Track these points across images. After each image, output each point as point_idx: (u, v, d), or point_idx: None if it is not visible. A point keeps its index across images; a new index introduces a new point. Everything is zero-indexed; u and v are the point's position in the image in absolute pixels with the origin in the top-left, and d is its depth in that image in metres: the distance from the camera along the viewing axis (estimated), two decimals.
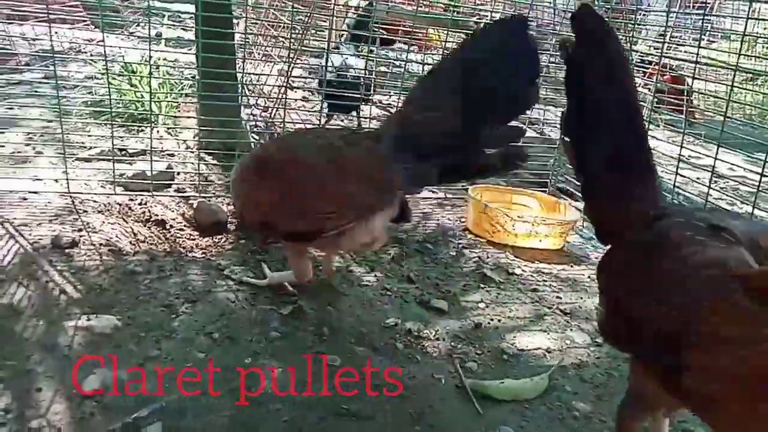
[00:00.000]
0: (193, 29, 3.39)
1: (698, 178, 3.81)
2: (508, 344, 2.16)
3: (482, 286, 2.57)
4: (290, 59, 3.39)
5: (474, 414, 1.80)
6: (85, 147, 3.32)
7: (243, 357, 1.88)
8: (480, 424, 1.76)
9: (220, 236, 2.67)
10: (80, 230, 2.46)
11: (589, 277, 2.84)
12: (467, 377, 1.93)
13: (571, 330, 2.34)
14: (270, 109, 3.83)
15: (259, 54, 4.17)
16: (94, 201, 2.76)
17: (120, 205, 2.77)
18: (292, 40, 3.13)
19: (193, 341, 1.91)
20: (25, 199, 2.69)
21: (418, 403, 1.80)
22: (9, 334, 1.80)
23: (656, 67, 4.05)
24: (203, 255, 2.48)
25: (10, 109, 3.77)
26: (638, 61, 5.84)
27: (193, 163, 3.27)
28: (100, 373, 1.69)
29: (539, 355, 2.14)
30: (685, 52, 6.03)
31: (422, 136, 1.94)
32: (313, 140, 2.11)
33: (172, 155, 3.41)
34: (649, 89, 5.15)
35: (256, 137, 3.82)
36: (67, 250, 2.30)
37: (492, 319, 2.33)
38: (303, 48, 3.83)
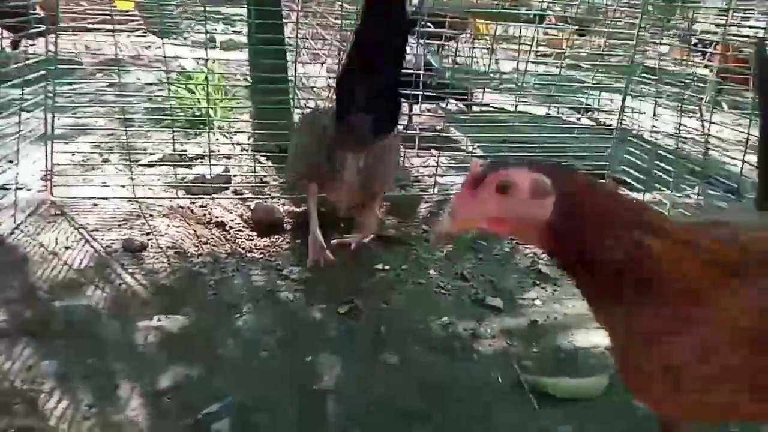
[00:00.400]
0: (245, 32, 3.49)
1: None
2: (565, 342, 2.14)
3: (538, 282, 2.55)
4: (340, 57, 3.44)
5: (531, 413, 1.80)
6: (147, 153, 3.48)
7: (304, 355, 1.95)
8: (537, 423, 1.76)
9: (277, 236, 2.76)
10: (148, 234, 2.59)
11: None
12: (524, 375, 1.93)
13: None
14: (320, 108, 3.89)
15: (308, 54, 4.24)
16: (159, 205, 2.90)
17: (182, 208, 2.90)
18: (341, 38, 3.18)
19: (258, 340, 1.99)
20: (96, 205, 2.86)
21: (475, 402, 1.81)
22: (88, 334, 1.93)
23: (717, 47, 3.86)
24: (262, 255, 2.57)
25: (78, 118, 3.99)
26: (696, 42, 5.59)
27: (249, 165, 3.37)
28: (173, 371, 1.79)
29: (598, 354, 2.11)
30: (751, 27, 5.72)
31: None
32: None
33: (229, 158, 3.53)
34: (711, 71, 4.94)
35: None
36: (137, 253, 2.44)
37: (548, 317, 2.31)
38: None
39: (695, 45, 5.70)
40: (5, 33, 5.02)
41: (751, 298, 0.99)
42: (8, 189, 2.69)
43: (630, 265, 1.00)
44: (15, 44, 4.85)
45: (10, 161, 2.71)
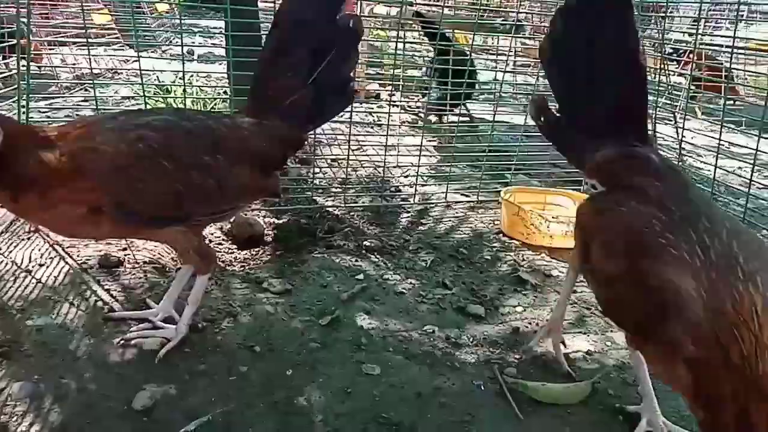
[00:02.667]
0: (224, 45, 3.47)
1: (739, 168, 3.70)
2: (547, 349, 2.15)
3: (519, 289, 2.56)
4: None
5: (514, 420, 1.79)
6: None
7: (284, 368, 1.92)
8: (522, 430, 1.76)
9: (257, 249, 2.73)
10: (125, 249, 2.55)
11: None
12: (506, 382, 1.93)
13: (612, 331, 2.30)
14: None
15: None
16: None
17: None
18: None
19: (236, 354, 1.96)
20: None
21: (459, 411, 1.80)
22: (61, 352, 1.89)
23: (691, 55, 3.94)
24: (242, 268, 2.54)
25: None
26: (671, 51, 5.71)
27: None
28: (150, 389, 1.75)
29: (580, 358, 2.12)
30: (722, 36, 5.85)
31: None
32: None
33: None
34: (685, 78, 5.04)
35: None
36: (113, 269, 2.40)
37: (530, 323, 2.31)
38: None
39: (669, 54, 5.82)
40: None
41: None
42: None
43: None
44: None
45: None
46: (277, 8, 2.09)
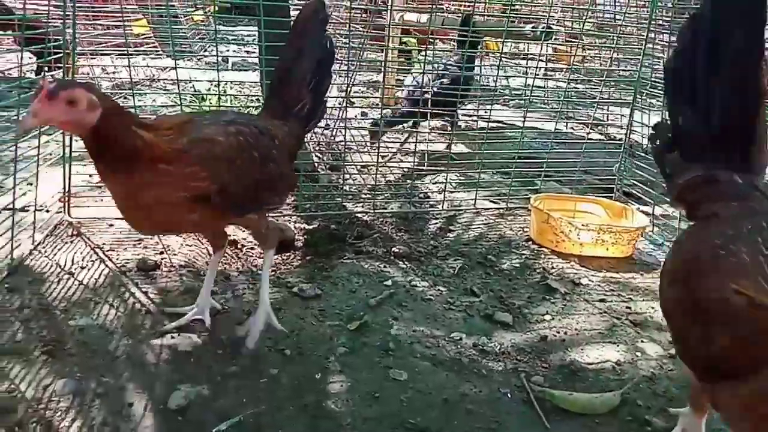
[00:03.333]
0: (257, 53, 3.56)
1: None
2: (575, 358, 2.14)
3: (547, 297, 2.55)
4: (349, 76, 3.50)
5: (542, 428, 1.79)
6: None
7: (313, 372, 1.97)
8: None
9: (288, 254, 2.79)
10: (161, 253, 2.64)
11: None
12: (533, 390, 1.93)
13: (642, 341, 2.28)
14: (331, 127, 3.95)
15: None
16: None
17: None
18: (351, 57, 3.23)
19: (267, 357, 2.02)
20: (111, 225, 2.92)
21: (485, 418, 1.81)
22: (102, 352, 1.97)
23: None
24: (273, 273, 2.60)
25: None
26: None
27: None
28: (184, 389, 1.82)
29: (609, 369, 2.10)
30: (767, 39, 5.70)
31: None
32: None
33: None
34: None
35: (319, 155, 3.96)
36: (150, 273, 2.48)
37: (558, 332, 2.31)
38: (361, 63, 3.94)
39: None
40: (28, 58, 5.15)
41: None
42: (27, 210, 2.76)
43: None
44: (39, 70, 4.99)
45: (30, 183, 2.78)
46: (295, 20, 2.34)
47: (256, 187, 1.97)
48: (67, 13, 2.86)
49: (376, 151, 3.44)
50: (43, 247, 2.63)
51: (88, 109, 1.58)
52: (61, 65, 2.93)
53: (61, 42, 2.90)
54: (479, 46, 4.21)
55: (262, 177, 1.98)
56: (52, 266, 2.48)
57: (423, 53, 4.16)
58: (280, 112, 2.23)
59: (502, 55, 4.27)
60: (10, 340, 1.97)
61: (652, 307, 2.53)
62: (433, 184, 3.82)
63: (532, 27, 4.40)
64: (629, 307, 2.52)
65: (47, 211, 2.94)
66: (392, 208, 3.41)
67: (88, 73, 5.21)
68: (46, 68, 4.17)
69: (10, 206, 2.53)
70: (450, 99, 3.81)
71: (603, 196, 3.47)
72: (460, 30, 4.27)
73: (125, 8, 3.72)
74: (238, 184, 1.87)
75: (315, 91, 2.29)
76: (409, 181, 3.75)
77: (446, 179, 3.51)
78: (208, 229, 2.18)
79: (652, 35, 3.54)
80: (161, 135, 1.75)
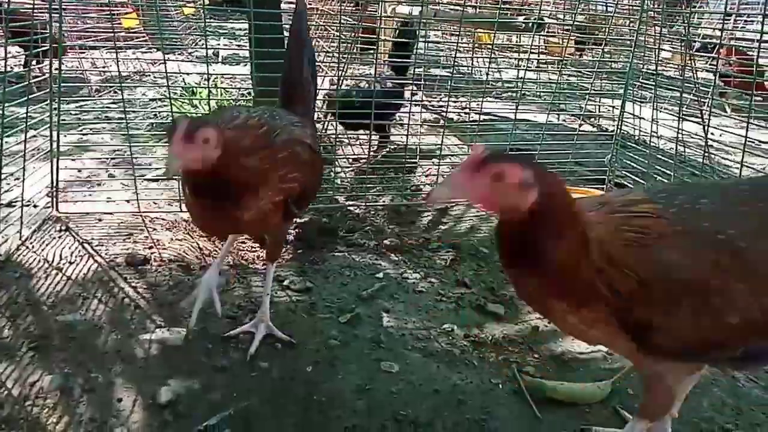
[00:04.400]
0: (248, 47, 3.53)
1: None
2: (566, 348, 2.14)
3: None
4: (340, 70, 3.47)
5: (532, 419, 1.79)
6: (151, 168, 3.52)
7: (304, 365, 1.96)
8: (539, 429, 1.76)
9: None
10: (151, 248, 2.62)
11: None
12: (524, 380, 1.93)
13: None
14: (322, 120, 3.93)
15: None
16: (163, 219, 2.93)
17: (186, 221, 2.92)
18: (341, 52, 3.20)
19: (257, 351, 2.00)
20: (100, 219, 2.89)
21: (476, 409, 1.81)
22: (90, 347, 1.95)
23: (721, 51, 3.86)
24: (264, 266, 2.58)
25: (84, 134, 4.05)
26: (700, 46, 5.59)
27: None
28: (173, 384, 1.81)
29: (600, 358, 2.11)
30: (753, 32, 5.71)
31: None
32: None
33: None
34: (714, 74, 4.92)
35: None
36: (139, 267, 2.46)
37: (549, 323, 2.30)
38: (353, 58, 3.92)
39: (698, 50, 5.70)
40: (15, 52, 5.10)
41: None
42: (14, 206, 2.73)
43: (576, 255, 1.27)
44: (26, 63, 4.94)
45: (17, 178, 2.75)
46: (300, 24, 2.32)
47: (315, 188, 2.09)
48: (53, 5, 2.82)
49: (368, 144, 3.42)
50: (31, 243, 2.61)
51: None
52: (48, 59, 2.89)
53: (48, 35, 2.86)
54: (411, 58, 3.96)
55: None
56: (39, 261, 2.46)
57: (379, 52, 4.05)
58: (297, 109, 2.21)
59: (494, 48, 4.25)
60: None
61: None
62: (425, 176, 3.81)
63: (524, 19, 4.38)
64: None
65: (35, 206, 2.91)
66: (384, 201, 3.40)
67: (77, 67, 5.17)
68: (34, 61, 4.13)
69: None
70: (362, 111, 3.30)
71: (595, 187, 3.47)
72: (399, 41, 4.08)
73: (114, 1, 3.68)
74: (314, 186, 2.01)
75: (312, 82, 2.34)
76: (400, 174, 3.74)
77: (438, 172, 3.50)
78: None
79: (644, 27, 3.54)
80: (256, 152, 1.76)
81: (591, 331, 1.36)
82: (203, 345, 2.01)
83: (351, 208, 3.26)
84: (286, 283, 2.43)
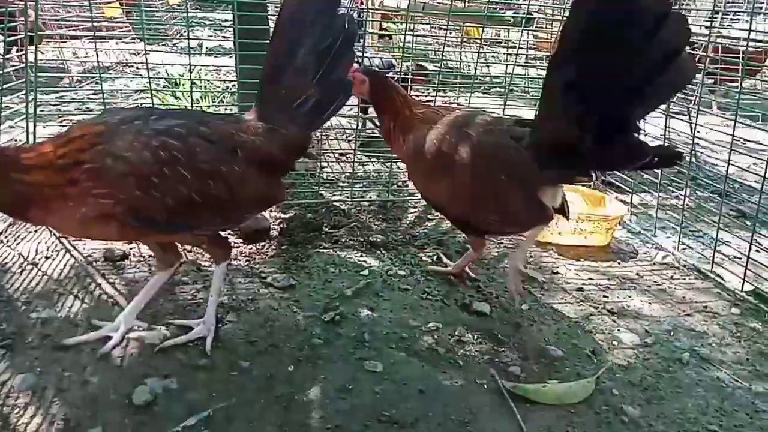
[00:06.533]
0: (232, 38, 3.46)
1: (754, 164, 3.62)
2: (552, 347, 2.12)
3: (525, 287, 2.53)
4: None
5: (515, 420, 1.77)
6: None
7: (286, 364, 1.92)
8: (525, 430, 1.74)
9: (262, 243, 2.73)
10: (130, 243, 2.56)
11: (638, 274, 2.75)
12: (510, 381, 1.90)
13: (619, 330, 2.27)
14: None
15: None
16: None
17: None
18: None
19: (238, 349, 1.96)
20: None
21: (461, 409, 1.78)
22: (65, 346, 1.89)
23: (707, 49, 3.85)
24: (247, 263, 2.54)
25: (64, 126, 3.95)
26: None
27: None
28: (151, 383, 1.76)
29: (584, 357, 2.09)
30: (740, 29, 5.74)
31: None
32: None
33: None
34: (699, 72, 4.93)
35: None
36: (118, 263, 2.41)
37: (535, 321, 2.29)
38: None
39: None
40: None
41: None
42: None
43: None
44: (4, 51, 4.81)
45: None
46: (279, 9, 2.06)
47: (190, 206, 1.74)
48: None
49: (354, 138, 3.38)
50: (5, 237, 2.54)
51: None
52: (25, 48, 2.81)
53: (23, 23, 2.77)
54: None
55: (202, 197, 1.74)
56: (14, 256, 2.39)
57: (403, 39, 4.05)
58: (267, 112, 1.99)
59: (483, 42, 4.22)
60: None
61: (629, 296, 2.53)
62: None
63: (513, 13, 4.35)
64: (606, 296, 2.52)
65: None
66: (370, 197, 3.36)
67: (57, 57, 5.05)
68: (13, 50, 4.02)
69: None
70: None
71: (582, 185, 3.45)
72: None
73: None
74: (154, 203, 1.67)
75: (322, 82, 2.01)
76: (387, 169, 3.70)
77: None
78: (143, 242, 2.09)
79: None
80: (53, 162, 1.62)
81: None
82: (182, 344, 1.96)
83: (336, 204, 3.21)
84: (268, 280, 2.38)
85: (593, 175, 3.60)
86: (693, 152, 3.48)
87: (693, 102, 4.29)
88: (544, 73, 2.06)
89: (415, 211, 3.25)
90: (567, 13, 1.91)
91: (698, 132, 3.36)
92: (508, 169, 2.04)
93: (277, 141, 1.96)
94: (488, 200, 2.11)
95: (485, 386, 1.90)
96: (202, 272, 2.42)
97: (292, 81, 2.00)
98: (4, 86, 2.69)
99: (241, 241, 2.76)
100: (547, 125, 1.97)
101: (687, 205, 3.06)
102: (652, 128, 3.49)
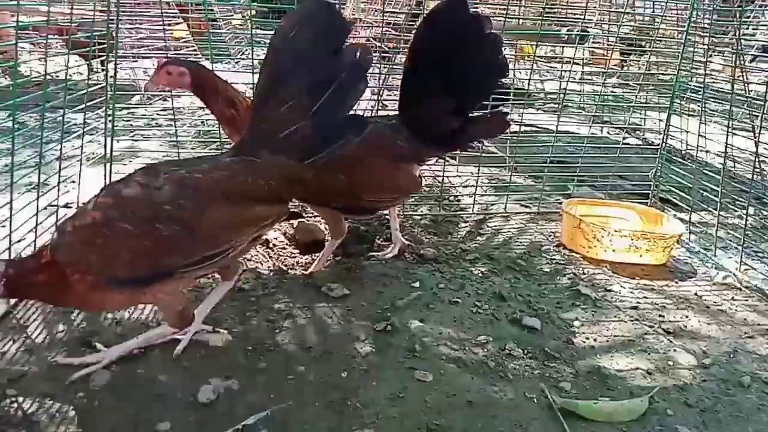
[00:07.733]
0: None
1: None
2: (604, 364, 2.11)
3: (577, 303, 2.52)
4: (382, 77, 3.52)
5: None
6: None
7: (339, 370, 1.99)
8: None
9: (318, 254, 2.82)
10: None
11: (696, 294, 2.68)
12: (561, 397, 1.91)
13: (675, 350, 2.23)
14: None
15: None
16: None
17: None
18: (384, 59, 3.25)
19: (294, 355, 2.05)
20: None
21: (509, 423, 1.80)
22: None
23: None
24: (303, 272, 2.64)
25: (135, 140, 4.22)
26: (753, 57, 5.39)
27: None
28: (213, 383, 1.86)
29: (638, 376, 2.07)
30: None
31: None
32: None
33: None
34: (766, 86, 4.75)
35: None
36: None
37: (587, 338, 2.28)
38: (393, 67, 3.96)
39: (751, 60, 5.51)
40: (74, 61, 5.35)
41: None
42: (70, 207, 2.87)
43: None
44: (90, 70, 5.17)
45: (73, 182, 2.89)
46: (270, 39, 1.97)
47: (147, 253, 1.75)
48: (111, 17, 2.97)
49: None
50: None
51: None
52: (104, 68, 3.04)
53: (105, 45, 3.01)
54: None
55: (154, 242, 1.75)
56: None
57: None
58: (251, 143, 1.96)
59: (536, 59, 4.23)
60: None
61: (686, 316, 2.47)
62: (464, 187, 3.81)
63: (567, 30, 4.35)
64: (662, 315, 2.47)
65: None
66: (422, 211, 3.42)
67: (129, 76, 5.39)
68: (95, 68, 4.32)
69: (55, 203, 2.63)
70: None
71: (638, 202, 3.40)
72: None
73: (166, 13, 3.84)
74: (109, 260, 1.72)
75: (320, 114, 1.90)
76: (439, 183, 3.75)
77: (477, 183, 3.50)
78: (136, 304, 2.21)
79: (691, 38, 3.46)
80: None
81: None
82: (242, 347, 2.07)
83: (389, 218, 3.28)
84: (323, 289, 2.47)
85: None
86: (757, 169, 3.36)
87: (759, 118, 4.14)
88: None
89: (466, 226, 3.29)
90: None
91: (764, 150, 3.26)
92: (398, 153, 2.55)
93: (250, 170, 1.94)
94: (384, 180, 2.56)
95: (535, 401, 1.91)
96: (262, 280, 2.53)
97: (279, 113, 1.93)
98: (88, 103, 2.91)
99: (298, 251, 2.87)
100: (409, 119, 2.56)
101: (750, 224, 2.96)
102: (713, 145, 3.40)
